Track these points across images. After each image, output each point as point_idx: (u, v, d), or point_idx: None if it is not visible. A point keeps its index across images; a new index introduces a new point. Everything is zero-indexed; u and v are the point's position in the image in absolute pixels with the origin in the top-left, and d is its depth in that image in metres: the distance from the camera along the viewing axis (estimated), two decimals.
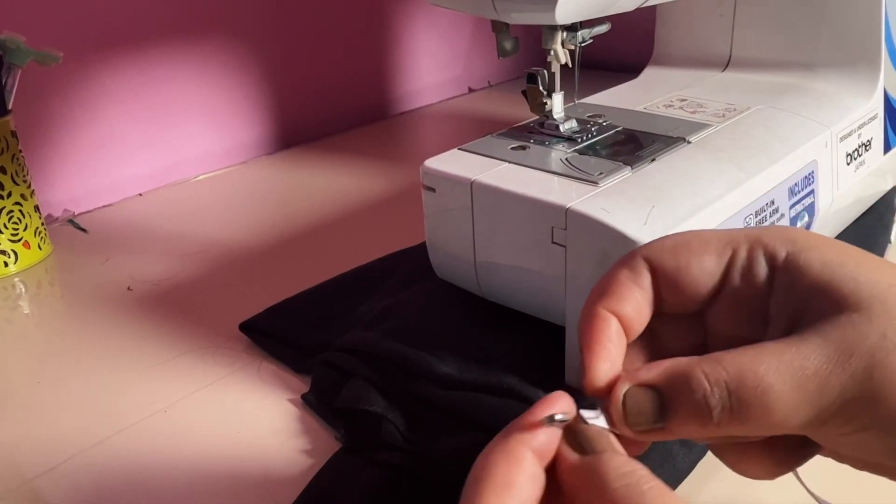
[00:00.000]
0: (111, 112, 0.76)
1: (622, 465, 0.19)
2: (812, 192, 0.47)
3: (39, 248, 0.63)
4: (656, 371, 0.22)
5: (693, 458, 0.36)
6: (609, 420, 0.22)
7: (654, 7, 0.54)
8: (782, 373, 0.20)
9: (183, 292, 0.57)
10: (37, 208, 0.63)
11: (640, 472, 0.19)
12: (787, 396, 0.20)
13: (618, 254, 0.36)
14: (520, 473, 0.20)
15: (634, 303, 0.24)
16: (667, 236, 0.25)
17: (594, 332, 0.23)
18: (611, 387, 0.22)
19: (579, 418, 0.22)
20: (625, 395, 0.22)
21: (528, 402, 0.38)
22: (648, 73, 0.63)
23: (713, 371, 0.21)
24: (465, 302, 0.47)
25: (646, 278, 0.24)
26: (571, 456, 0.20)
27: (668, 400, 0.21)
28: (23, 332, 0.54)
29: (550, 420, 0.21)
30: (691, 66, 0.62)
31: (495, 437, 0.21)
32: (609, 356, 0.23)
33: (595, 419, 0.22)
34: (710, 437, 0.23)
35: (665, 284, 0.24)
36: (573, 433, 0.21)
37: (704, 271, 0.24)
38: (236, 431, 0.42)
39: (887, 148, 0.56)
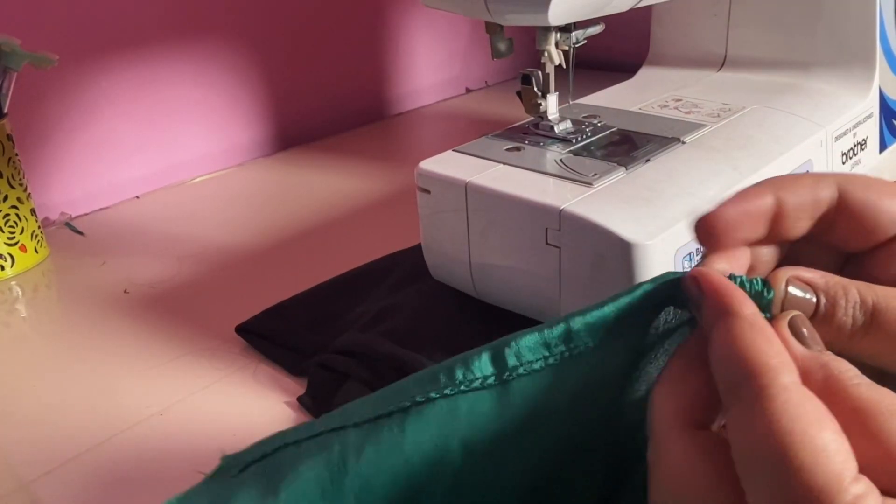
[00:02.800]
0: (107, 114, 0.76)
1: (852, 371, 0.19)
2: None
3: (36, 251, 0.63)
4: (814, 273, 0.22)
5: None
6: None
7: (649, 7, 0.54)
8: None
9: (179, 295, 0.57)
10: (33, 211, 0.63)
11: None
12: None
13: (612, 255, 0.36)
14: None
15: (802, 199, 0.23)
16: (856, 174, 0.24)
17: (750, 200, 0.23)
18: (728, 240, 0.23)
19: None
20: (787, 280, 0.21)
21: None
22: (644, 74, 0.63)
23: (867, 291, 0.21)
24: (460, 303, 0.47)
25: (829, 191, 0.23)
26: (798, 348, 0.20)
27: (819, 297, 0.21)
28: (19, 336, 0.54)
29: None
30: (686, 65, 0.62)
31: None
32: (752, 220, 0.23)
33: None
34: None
35: (846, 214, 0.23)
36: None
37: (891, 213, 0.23)
38: (232, 434, 0.42)
39: (883, 147, 0.56)
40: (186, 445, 0.41)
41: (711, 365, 0.20)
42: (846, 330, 0.21)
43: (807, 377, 0.19)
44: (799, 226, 0.23)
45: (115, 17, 0.74)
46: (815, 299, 0.21)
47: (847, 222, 0.23)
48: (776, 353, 0.19)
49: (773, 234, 0.23)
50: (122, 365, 0.48)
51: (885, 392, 0.18)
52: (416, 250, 0.50)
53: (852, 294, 0.21)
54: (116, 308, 0.55)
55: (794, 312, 0.21)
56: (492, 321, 0.46)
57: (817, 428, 0.17)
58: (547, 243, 0.39)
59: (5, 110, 0.60)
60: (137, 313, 0.54)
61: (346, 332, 0.47)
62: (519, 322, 0.44)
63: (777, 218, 0.23)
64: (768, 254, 0.24)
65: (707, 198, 0.40)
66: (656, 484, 0.20)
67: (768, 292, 0.21)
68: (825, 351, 0.20)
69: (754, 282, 0.21)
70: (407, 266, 0.54)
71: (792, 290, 0.21)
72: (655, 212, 0.38)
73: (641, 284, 0.22)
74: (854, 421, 0.18)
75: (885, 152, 0.57)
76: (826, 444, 0.17)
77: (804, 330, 0.20)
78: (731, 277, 0.21)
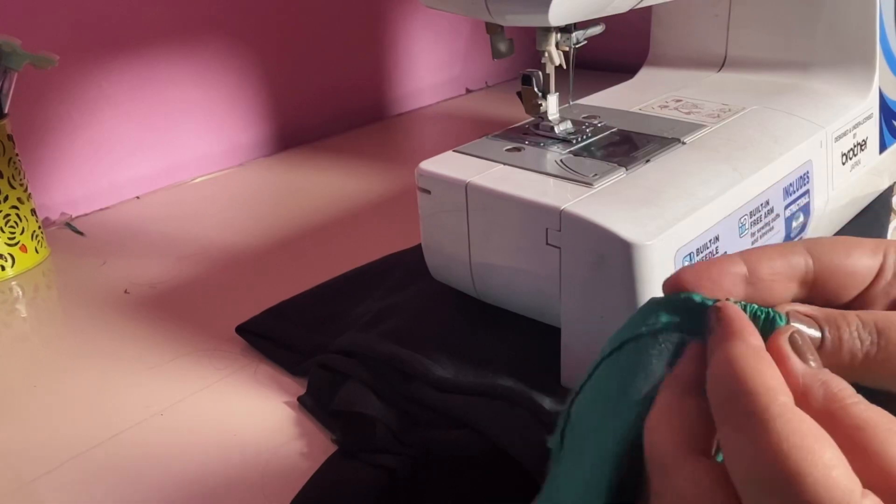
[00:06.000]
0: (108, 115, 0.76)
1: (850, 389, 0.19)
2: (807, 192, 0.47)
3: (36, 251, 0.63)
4: (811, 307, 0.22)
5: None
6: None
7: (649, 7, 0.54)
8: None
9: (180, 295, 0.57)
10: (34, 212, 0.63)
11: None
12: None
13: (612, 255, 0.36)
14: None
15: (774, 264, 0.24)
16: (819, 238, 0.25)
17: (720, 261, 0.23)
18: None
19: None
20: (788, 314, 0.22)
21: (523, 406, 0.38)
22: (644, 74, 0.63)
23: (865, 314, 0.22)
24: (460, 303, 0.47)
25: (801, 256, 0.24)
26: (798, 364, 0.20)
27: (823, 329, 0.22)
28: (20, 336, 0.54)
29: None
30: (687, 66, 0.62)
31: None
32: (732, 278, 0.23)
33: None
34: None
35: (821, 278, 0.24)
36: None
37: (861, 267, 0.24)
38: (233, 434, 0.42)
39: (883, 147, 0.56)
40: (186, 445, 0.41)
41: (708, 387, 0.20)
42: (858, 354, 0.21)
43: (807, 393, 0.19)
44: (779, 289, 0.24)
45: (115, 17, 0.74)
46: (819, 333, 0.22)
47: (824, 284, 0.24)
48: (775, 376, 0.19)
49: (759, 297, 0.24)
50: (123, 365, 0.48)
51: (881, 411, 0.19)
52: (417, 250, 0.50)
53: (852, 318, 0.22)
54: (116, 308, 0.55)
55: (794, 327, 0.21)
56: (492, 321, 0.46)
57: (821, 445, 0.17)
58: (547, 243, 0.39)
59: (6, 110, 0.60)
60: (138, 313, 0.54)
61: (346, 332, 0.47)
62: (519, 322, 0.44)
63: (754, 281, 0.24)
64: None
65: (707, 198, 0.40)
66: None
67: (780, 319, 0.22)
68: (823, 368, 0.20)
69: (769, 311, 0.22)
70: (407, 266, 0.54)
71: (795, 324, 0.22)
72: (655, 212, 0.38)
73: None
74: (854, 439, 0.18)
75: (886, 152, 0.57)
76: (832, 461, 0.17)
77: (802, 346, 0.21)
78: (743, 307, 0.21)
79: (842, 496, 0.17)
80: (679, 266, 0.37)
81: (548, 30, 0.44)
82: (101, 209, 0.75)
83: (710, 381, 0.20)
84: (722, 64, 0.61)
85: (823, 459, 0.17)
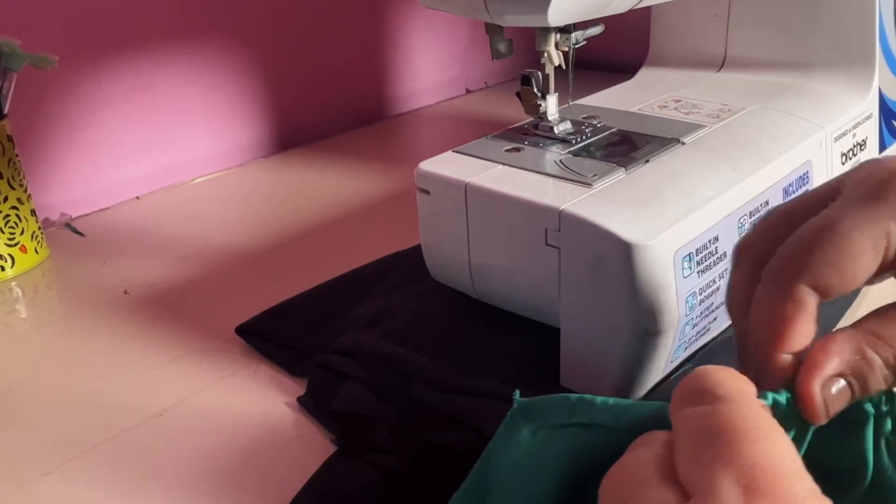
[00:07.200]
0: (108, 115, 0.76)
1: None
2: (807, 192, 0.47)
3: (36, 252, 0.63)
4: (838, 360, 0.23)
5: None
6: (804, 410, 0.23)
7: (648, 8, 0.54)
8: None
9: (179, 295, 0.57)
10: (33, 212, 0.63)
11: None
12: None
13: (611, 256, 0.36)
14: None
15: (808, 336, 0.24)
16: (819, 248, 0.24)
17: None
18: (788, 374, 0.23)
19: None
20: (822, 387, 0.22)
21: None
22: (643, 74, 0.64)
23: (882, 349, 0.23)
24: (459, 304, 0.47)
25: (812, 306, 0.24)
26: None
27: (854, 384, 0.23)
28: (20, 336, 0.54)
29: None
30: (686, 66, 0.62)
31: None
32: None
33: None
34: None
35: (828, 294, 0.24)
36: None
37: (865, 272, 0.24)
38: (232, 434, 0.42)
39: (882, 147, 0.56)
40: (186, 446, 0.41)
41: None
42: (884, 386, 0.23)
43: None
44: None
45: (115, 18, 0.74)
46: (849, 389, 0.23)
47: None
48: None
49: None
50: (122, 365, 0.48)
51: None
52: (416, 251, 0.50)
53: (876, 363, 0.23)
54: (116, 308, 0.55)
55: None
56: (492, 321, 0.46)
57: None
58: (546, 244, 0.39)
59: (5, 111, 0.60)
60: (137, 314, 0.54)
61: (345, 332, 0.47)
62: (518, 322, 0.44)
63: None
64: None
65: (706, 198, 0.40)
66: None
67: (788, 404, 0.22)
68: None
69: (778, 396, 0.22)
70: (407, 266, 0.54)
71: (831, 392, 0.22)
72: (655, 212, 0.38)
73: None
74: None
75: (885, 153, 0.57)
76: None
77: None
78: (761, 395, 0.22)
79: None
80: (678, 267, 0.37)
81: (547, 30, 0.44)
82: (101, 209, 0.75)
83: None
84: (721, 64, 0.61)
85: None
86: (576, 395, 0.24)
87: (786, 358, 0.23)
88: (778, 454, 0.18)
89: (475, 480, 0.26)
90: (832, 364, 0.23)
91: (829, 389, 0.22)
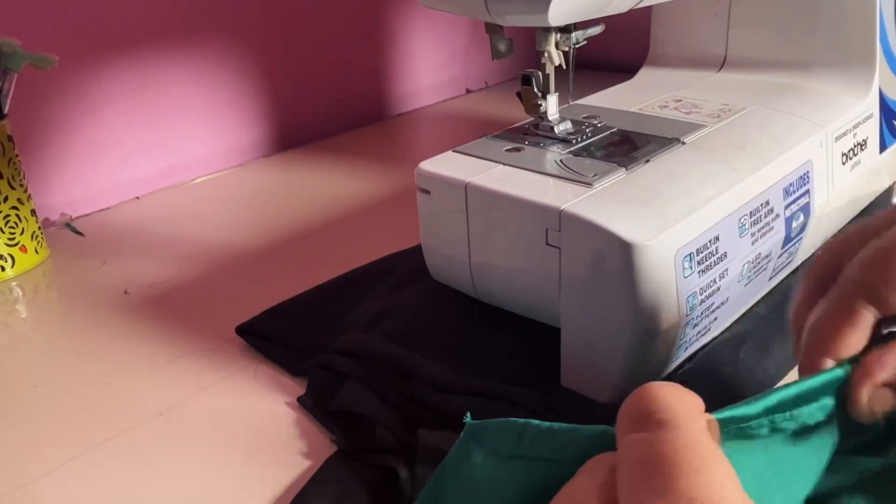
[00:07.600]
0: (108, 115, 0.76)
1: None
2: (807, 192, 0.47)
3: (36, 252, 0.63)
4: (889, 371, 0.24)
5: None
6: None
7: (649, 7, 0.54)
8: None
9: (179, 295, 0.57)
10: (33, 212, 0.63)
11: None
12: None
13: (612, 256, 0.36)
14: None
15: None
16: (882, 267, 0.25)
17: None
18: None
19: None
20: (869, 398, 0.24)
21: (523, 406, 0.38)
22: (644, 74, 0.63)
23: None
24: (460, 304, 0.47)
25: (866, 320, 0.25)
26: None
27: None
28: (20, 336, 0.54)
29: None
30: (686, 66, 0.62)
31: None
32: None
33: None
34: None
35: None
36: None
37: None
38: (232, 434, 0.42)
39: (883, 147, 0.56)
40: (186, 446, 0.41)
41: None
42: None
43: None
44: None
45: (115, 18, 0.74)
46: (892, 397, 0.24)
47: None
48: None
49: None
50: (122, 365, 0.48)
51: None
52: (416, 251, 0.50)
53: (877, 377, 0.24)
54: (116, 308, 0.55)
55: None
56: (492, 322, 0.46)
57: None
58: (547, 244, 0.39)
59: (5, 111, 0.60)
60: (137, 314, 0.54)
61: (346, 332, 0.47)
62: (519, 322, 0.44)
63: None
64: None
65: (706, 198, 0.40)
66: None
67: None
68: None
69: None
70: (407, 267, 0.54)
71: (878, 398, 0.24)
72: (655, 212, 0.38)
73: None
74: None
75: (885, 153, 0.57)
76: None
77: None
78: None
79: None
80: (679, 266, 0.37)
81: (547, 30, 0.44)
82: (101, 210, 0.75)
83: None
84: (722, 64, 0.61)
85: None
86: (523, 419, 0.24)
87: (828, 363, 0.24)
88: (717, 486, 0.18)
89: (427, 501, 0.26)
90: (883, 375, 0.24)
91: (877, 397, 0.24)
